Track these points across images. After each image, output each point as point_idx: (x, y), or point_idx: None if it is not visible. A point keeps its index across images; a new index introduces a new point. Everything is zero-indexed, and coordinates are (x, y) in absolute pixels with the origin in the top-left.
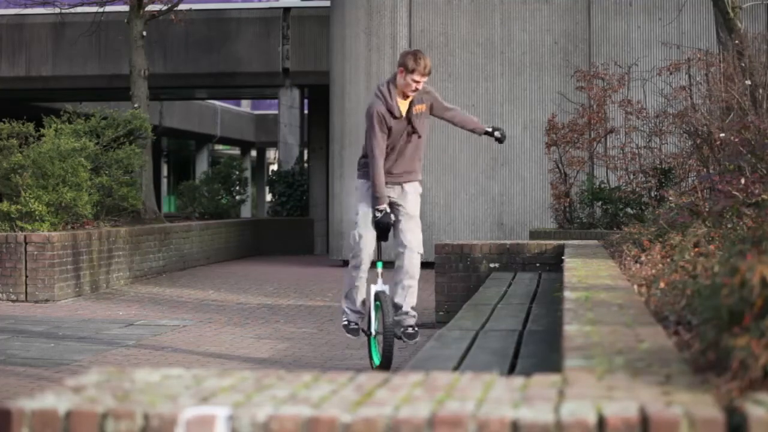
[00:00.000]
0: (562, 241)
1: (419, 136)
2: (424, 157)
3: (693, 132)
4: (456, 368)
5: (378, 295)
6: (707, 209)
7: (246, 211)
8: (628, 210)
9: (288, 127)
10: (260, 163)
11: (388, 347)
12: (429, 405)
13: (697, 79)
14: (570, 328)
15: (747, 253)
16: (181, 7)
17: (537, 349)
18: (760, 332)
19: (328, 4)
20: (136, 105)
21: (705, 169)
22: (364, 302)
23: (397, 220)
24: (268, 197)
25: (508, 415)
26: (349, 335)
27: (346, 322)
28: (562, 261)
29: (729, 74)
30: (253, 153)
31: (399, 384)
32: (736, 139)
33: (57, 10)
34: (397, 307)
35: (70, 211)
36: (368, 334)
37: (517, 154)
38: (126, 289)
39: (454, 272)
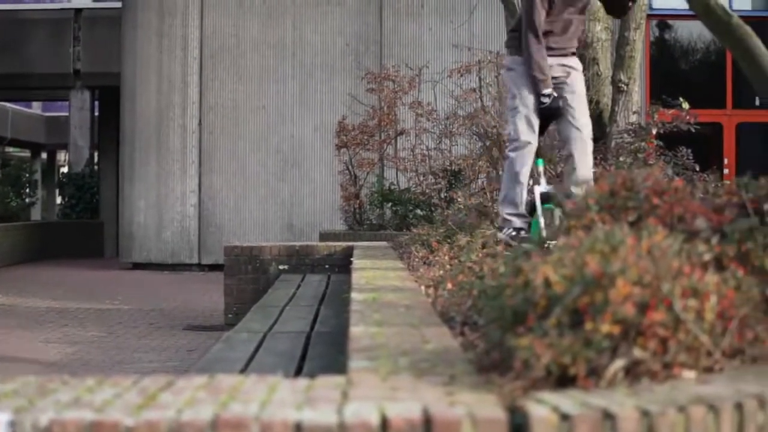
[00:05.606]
0: (351, 243)
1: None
2: None
3: (483, 134)
4: (243, 371)
5: (544, 198)
6: (495, 210)
7: (36, 214)
8: (418, 211)
9: (78, 129)
10: (51, 165)
11: None
12: (212, 407)
13: (488, 81)
14: (356, 330)
15: (532, 253)
16: None
17: (324, 350)
18: (543, 332)
19: (119, 5)
20: None
21: (494, 171)
22: (527, 204)
23: (563, 99)
24: (59, 200)
25: (292, 417)
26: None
27: (512, 232)
28: (351, 262)
29: None
30: (44, 155)
31: (183, 387)
32: None
33: None
34: None
35: None
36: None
37: (307, 156)
38: None
39: (243, 274)
